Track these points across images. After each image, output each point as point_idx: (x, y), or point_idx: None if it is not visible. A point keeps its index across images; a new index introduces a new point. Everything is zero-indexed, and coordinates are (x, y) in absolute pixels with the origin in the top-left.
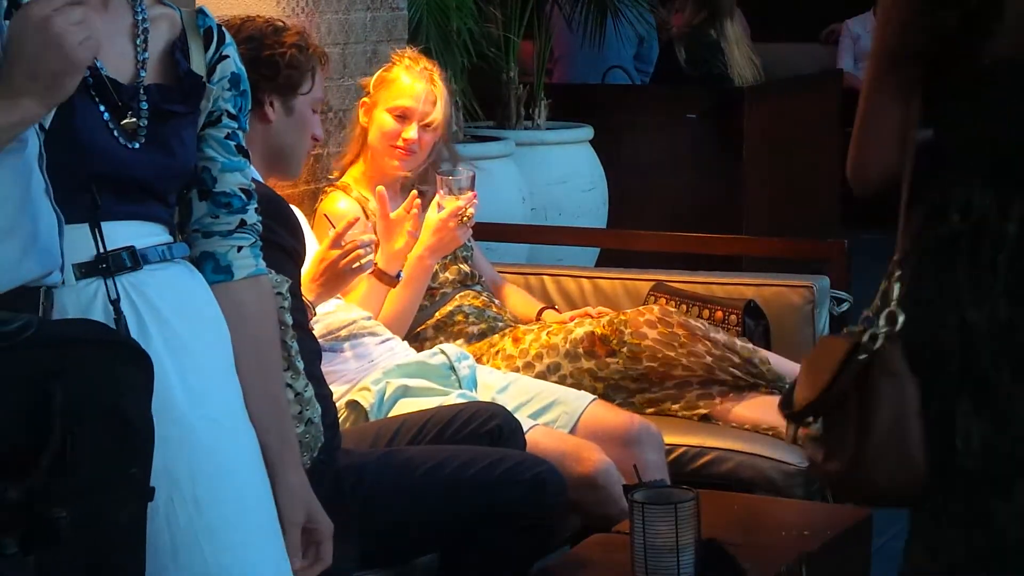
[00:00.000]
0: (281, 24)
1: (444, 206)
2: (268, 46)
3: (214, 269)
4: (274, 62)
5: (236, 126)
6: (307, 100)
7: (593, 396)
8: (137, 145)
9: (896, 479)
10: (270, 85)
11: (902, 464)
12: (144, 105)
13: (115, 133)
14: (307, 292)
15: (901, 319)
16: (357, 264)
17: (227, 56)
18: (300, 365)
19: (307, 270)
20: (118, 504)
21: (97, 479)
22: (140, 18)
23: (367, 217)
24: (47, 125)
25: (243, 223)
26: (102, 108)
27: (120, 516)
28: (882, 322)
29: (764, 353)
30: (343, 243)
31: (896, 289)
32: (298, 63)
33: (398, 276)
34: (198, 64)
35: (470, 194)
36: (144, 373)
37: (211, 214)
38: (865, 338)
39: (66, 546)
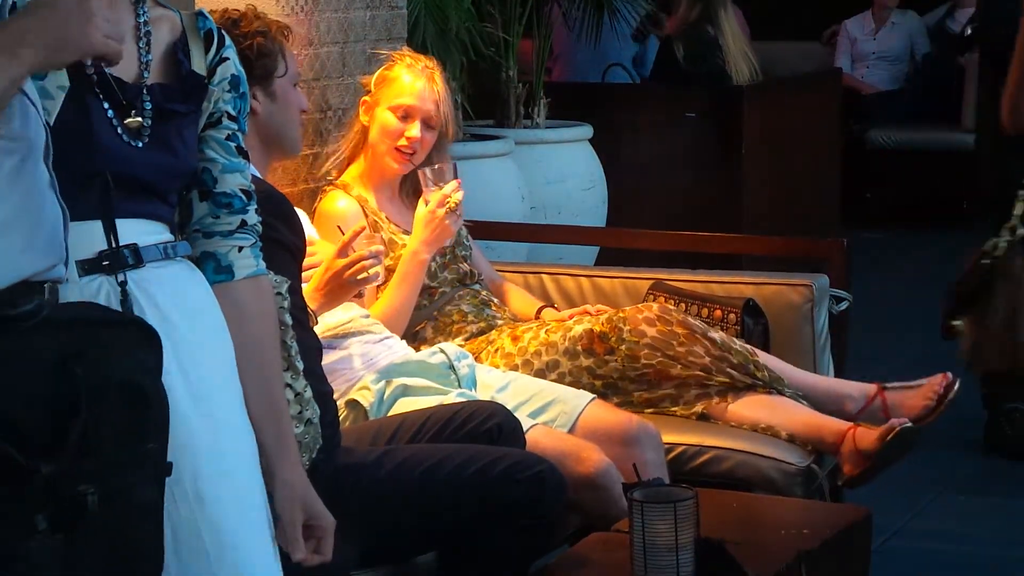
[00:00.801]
0: (236, 13)
1: (429, 199)
2: (234, 41)
3: (215, 269)
4: (245, 56)
5: (236, 127)
6: (286, 80)
7: (592, 395)
8: (141, 144)
9: (1009, 364)
10: (249, 79)
11: (1012, 351)
12: (148, 105)
13: (119, 131)
14: (310, 301)
15: (1020, 231)
16: (363, 275)
17: (227, 58)
18: (300, 365)
19: (312, 279)
20: (138, 481)
21: (118, 456)
22: (142, 20)
23: (366, 216)
24: (52, 121)
25: (244, 223)
26: (107, 106)
27: (141, 494)
28: (1004, 233)
29: (761, 357)
30: (350, 252)
31: (1019, 207)
32: (268, 50)
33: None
34: (199, 65)
35: (454, 182)
36: (155, 351)
37: (212, 214)
38: (988, 246)
39: (91, 525)
